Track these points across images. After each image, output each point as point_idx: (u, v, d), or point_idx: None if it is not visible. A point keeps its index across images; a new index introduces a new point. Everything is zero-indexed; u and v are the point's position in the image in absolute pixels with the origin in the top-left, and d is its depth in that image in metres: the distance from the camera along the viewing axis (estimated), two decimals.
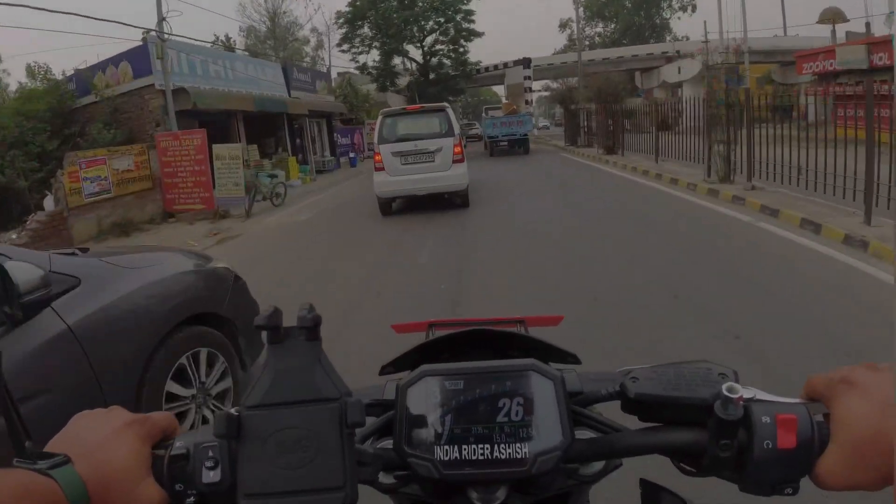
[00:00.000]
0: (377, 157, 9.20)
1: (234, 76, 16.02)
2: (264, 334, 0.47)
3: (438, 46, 34.13)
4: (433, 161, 9.08)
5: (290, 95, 18.62)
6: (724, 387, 0.46)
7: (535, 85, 38.31)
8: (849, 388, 0.45)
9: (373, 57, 32.92)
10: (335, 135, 22.57)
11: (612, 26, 49.34)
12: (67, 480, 0.42)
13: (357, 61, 33.88)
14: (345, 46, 33.36)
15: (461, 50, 33.81)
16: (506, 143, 21.66)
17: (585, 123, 21.02)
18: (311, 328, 0.47)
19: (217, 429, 0.45)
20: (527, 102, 32.20)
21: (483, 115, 27.81)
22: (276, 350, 0.47)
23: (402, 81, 34.35)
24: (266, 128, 17.16)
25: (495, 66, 37.32)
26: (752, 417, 0.46)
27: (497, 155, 21.43)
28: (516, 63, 35.91)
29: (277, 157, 16.36)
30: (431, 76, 33.73)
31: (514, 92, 39.26)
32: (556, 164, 16.78)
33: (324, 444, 0.45)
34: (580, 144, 20.97)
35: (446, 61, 34.38)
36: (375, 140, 9.26)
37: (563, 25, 51.55)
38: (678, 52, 33.51)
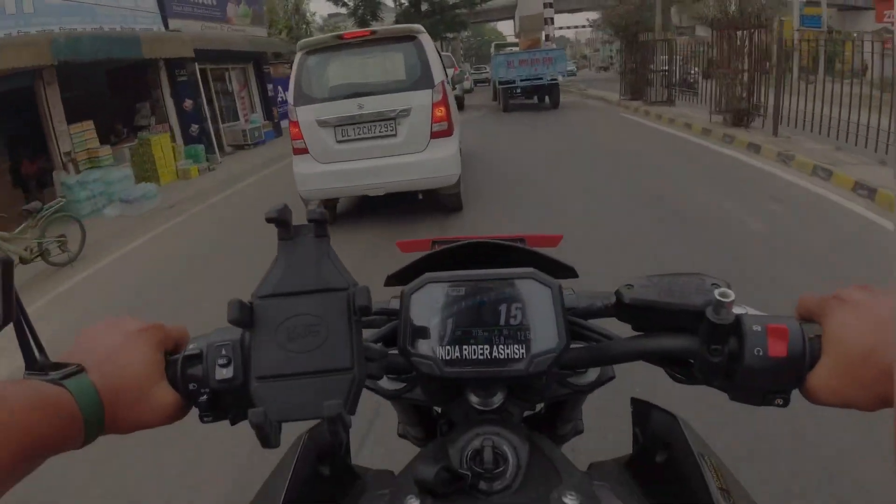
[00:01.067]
0: (294, 131, 5.07)
1: (34, 5, 7.99)
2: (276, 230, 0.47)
3: None
4: (394, 135, 4.93)
5: (167, 28, 10.84)
6: (716, 292, 0.47)
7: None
8: (841, 304, 0.45)
9: None
10: (271, 88, 14.94)
11: None
12: (80, 389, 0.42)
13: None
14: None
15: None
16: (523, 93, 15.78)
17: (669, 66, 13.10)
18: (320, 223, 0.48)
19: (230, 315, 0.45)
20: (546, 38, 25.45)
21: (492, 53, 20.90)
22: (287, 245, 0.49)
23: (390, 17, 27.07)
24: (138, 88, 10.64)
25: None
26: (744, 326, 0.47)
27: (512, 110, 15.49)
28: None
29: (141, 137, 9.68)
30: (424, 6, 26.62)
31: (529, 27, 32.72)
32: (616, 130, 10.46)
33: (333, 330, 0.46)
34: (654, 100, 13.15)
35: None
36: (290, 99, 5.09)
37: None
38: None
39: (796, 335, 0.46)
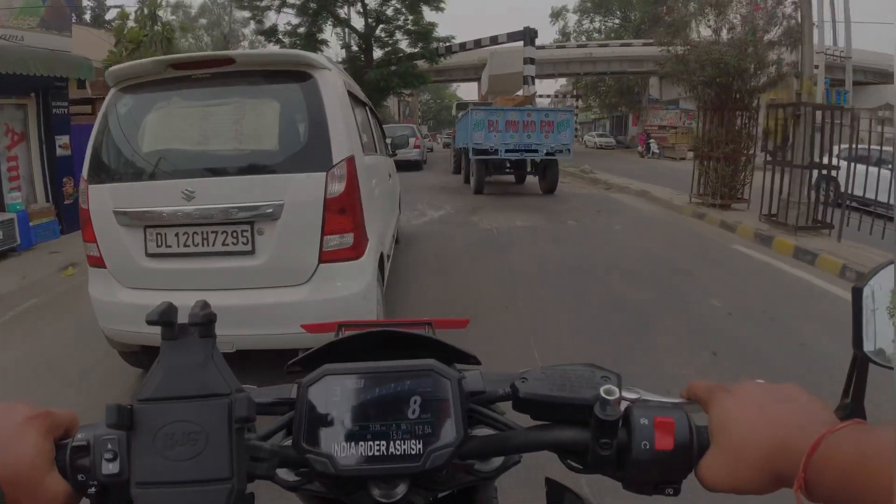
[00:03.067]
0: (87, 231, 2.77)
1: None
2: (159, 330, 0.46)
3: (388, 9, 22.55)
4: (250, 252, 2.62)
5: None
6: (602, 389, 0.49)
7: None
8: (726, 394, 0.48)
9: (287, 20, 23.06)
10: (64, 143, 7.44)
11: (617, 22, 41.21)
12: None
13: (261, 22, 22.40)
14: None
15: (421, 21, 22.37)
16: (510, 167, 11.95)
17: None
18: (204, 325, 0.48)
19: (108, 419, 0.45)
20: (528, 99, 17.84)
21: (457, 115, 16.78)
22: (170, 346, 0.48)
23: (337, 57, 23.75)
24: None
25: (477, 42, 24.23)
26: (632, 419, 0.49)
27: (486, 192, 11.28)
28: (512, 37, 23.04)
29: None
30: (376, 53, 22.41)
31: (501, 88, 28.07)
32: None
33: (212, 438, 0.45)
34: (800, 223, 6.75)
35: (399, 34, 22.90)
36: (84, 170, 2.80)
37: (556, 15, 43.98)
38: None
39: (683, 427, 0.48)
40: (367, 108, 4.20)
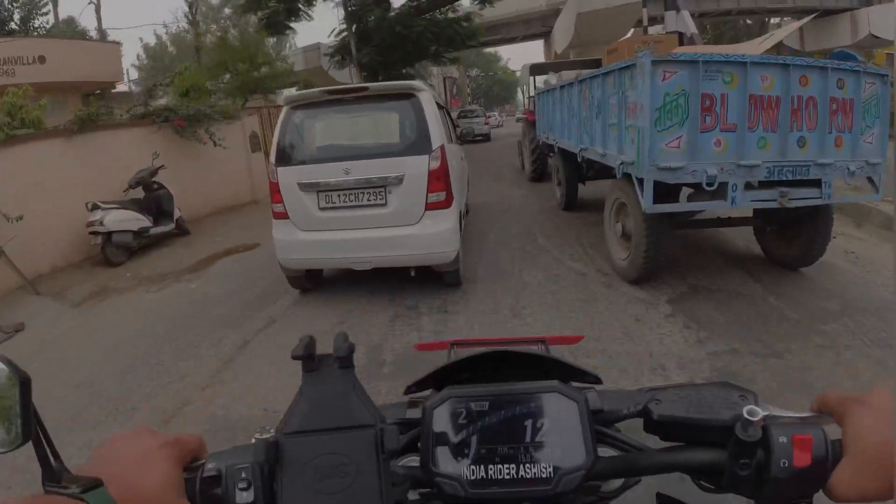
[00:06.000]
0: (275, 195, 4.50)
1: None
2: (300, 363, 0.47)
3: None
4: (384, 204, 4.33)
5: None
6: (744, 410, 0.47)
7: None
8: (860, 406, 0.47)
9: None
10: None
11: None
12: (100, 503, 0.42)
13: None
14: None
15: None
16: (769, 221, 4.36)
17: None
18: (344, 356, 0.49)
19: (256, 455, 0.45)
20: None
21: (527, 85, 11.12)
22: (312, 378, 0.49)
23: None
24: None
25: None
26: (771, 438, 0.47)
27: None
28: None
29: None
30: (371, 18, 14.85)
31: (594, 36, 18.28)
32: None
33: (361, 470, 0.46)
34: None
35: None
36: (272, 158, 4.53)
37: None
38: None
39: (820, 443, 0.47)
40: (444, 110, 5.86)
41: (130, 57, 58.77)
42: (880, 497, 0.44)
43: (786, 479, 0.46)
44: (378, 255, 4.34)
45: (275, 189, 4.49)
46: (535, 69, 10.91)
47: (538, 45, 30.29)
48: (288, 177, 4.41)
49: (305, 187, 4.36)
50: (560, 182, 7.39)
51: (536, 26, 25.58)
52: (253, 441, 0.46)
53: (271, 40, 19.27)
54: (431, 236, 4.28)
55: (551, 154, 8.29)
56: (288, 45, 22.70)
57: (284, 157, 4.48)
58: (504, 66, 64.67)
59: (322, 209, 4.37)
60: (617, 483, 0.57)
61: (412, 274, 4.60)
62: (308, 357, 0.48)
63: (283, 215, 4.50)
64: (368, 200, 4.31)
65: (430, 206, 4.27)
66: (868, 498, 0.44)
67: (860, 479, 0.44)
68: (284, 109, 4.61)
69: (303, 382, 0.48)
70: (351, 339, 0.50)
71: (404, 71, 16.29)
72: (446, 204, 4.32)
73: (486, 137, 22.98)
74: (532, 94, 10.08)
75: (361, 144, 4.47)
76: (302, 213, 4.42)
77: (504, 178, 11.35)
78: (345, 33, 15.26)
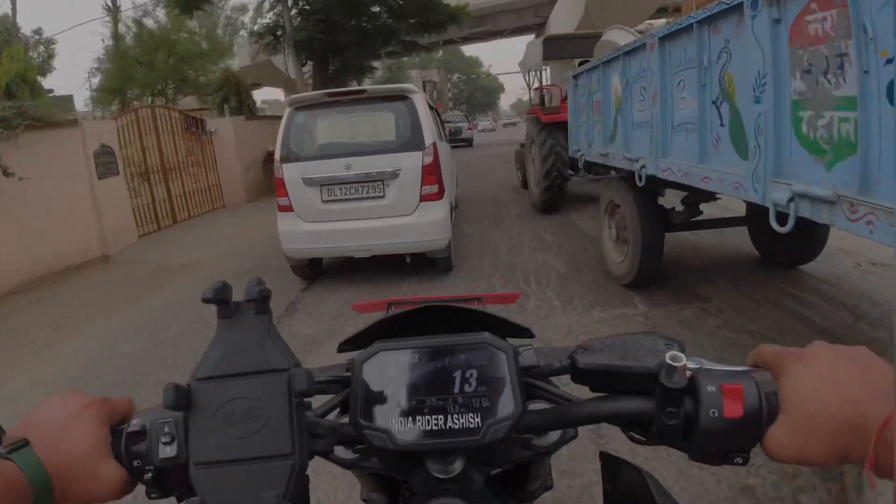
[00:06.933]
0: (280, 190, 4.88)
1: None
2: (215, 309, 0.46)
3: None
4: (382, 197, 4.73)
5: None
6: (667, 355, 0.48)
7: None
8: (798, 360, 0.46)
9: None
10: None
11: None
12: (27, 462, 0.42)
13: None
14: None
15: None
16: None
17: None
18: (260, 301, 0.48)
19: (166, 400, 0.44)
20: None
21: (530, 69, 8.42)
22: (226, 324, 0.48)
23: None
24: None
25: None
26: (698, 386, 0.47)
27: None
28: None
29: None
30: None
31: (614, 9, 14.74)
32: None
33: (273, 413, 0.45)
34: None
35: None
36: (277, 155, 4.91)
37: None
38: None
39: (752, 395, 0.46)
40: (434, 111, 6.26)
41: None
42: (818, 461, 0.43)
43: (716, 430, 0.45)
44: (377, 243, 4.74)
45: (280, 184, 4.87)
46: (552, 46, 7.39)
47: (525, 43, 28.33)
48: (292, 172, 4.80)
49: (309, 182, 4.75)
50: (623, 233, 4.16)
51: (528, 17, 21.45)
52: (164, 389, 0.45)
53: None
54: (426, 225, 4.69)
55: (581, 174, 5.87)
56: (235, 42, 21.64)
57: (289, 155, 4.87)
58: (486, 71, 64.27)
59: (325, 202, 4.76)
60: (553, 437, 0.57)
61: (408, 261, 5.00)
62: (223, 302, 0.47)
63: (288, 208, 4.88)
64: (368, 193, 4.71)
65: (424, 198, 4.68)
66: (805, 461, 0.43)
67: (797, 440, 0.43)
68: (287, 110, 5.00)
69: (218, 328, 0.48)
70: (264, 285, 0.49)
71: (367, 64, 13.80)
72: (439, 195, 4.74)
73: (469, 143, 24.77)
74: (537, 85, 7.79)
75: (361, 142, 4.87)
76: (306, 206, 4.81)
77: (499, 204, 8.01)
78: (278, 6, 12.17)
